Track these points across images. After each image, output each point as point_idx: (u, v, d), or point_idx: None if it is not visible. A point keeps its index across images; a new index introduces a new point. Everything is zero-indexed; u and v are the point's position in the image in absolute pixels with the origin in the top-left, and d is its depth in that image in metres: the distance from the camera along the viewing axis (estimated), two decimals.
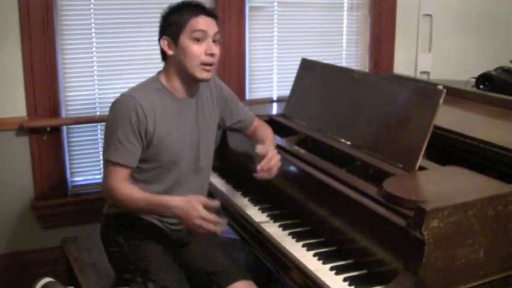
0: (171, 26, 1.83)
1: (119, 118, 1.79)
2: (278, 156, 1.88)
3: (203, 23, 1.81)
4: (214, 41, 1.84)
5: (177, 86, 1.88)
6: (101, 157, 2.76)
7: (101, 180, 2.74)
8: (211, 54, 1.82)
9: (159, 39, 1.87)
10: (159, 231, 1.90)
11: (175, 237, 1.94)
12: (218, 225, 1.66)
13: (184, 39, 1.81)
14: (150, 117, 1.80)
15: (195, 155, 1.93)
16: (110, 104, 1.85)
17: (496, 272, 1.50)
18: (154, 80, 1.90)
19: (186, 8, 1.83)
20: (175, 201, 1.71)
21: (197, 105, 1.94)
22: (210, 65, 1.83)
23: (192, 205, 1.66)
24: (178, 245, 1.96)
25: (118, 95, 1.85)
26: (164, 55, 1.89)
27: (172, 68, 1.87)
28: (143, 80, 1.94)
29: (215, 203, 1.70)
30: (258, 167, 1.82)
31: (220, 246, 2.04)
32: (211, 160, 2.04)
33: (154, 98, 1.84)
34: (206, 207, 1.67)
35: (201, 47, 1.81)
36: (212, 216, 1.66)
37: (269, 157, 1.84)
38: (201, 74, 1.83)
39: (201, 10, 1.84)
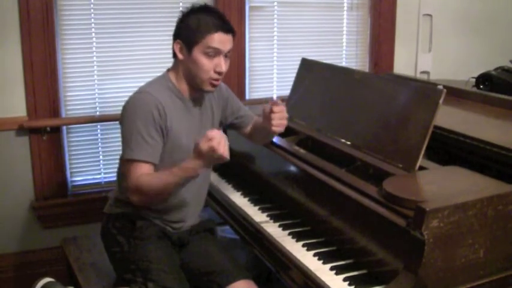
0: (187, 32, 1.82)
1: (140, 115, 1.77)
2: (285, 114, 1.85)
3: (219, 41, 1.80)
4: (226, 55, 1.84)
5: (184, 87, 1.90)
6: (101, 157, 2.76)
7: (100, 180, 2.77)
8: (220, 73, 1.83)
9: (174, 39, 1.86)
10: (159, 231, 1.90)
11: (176, 237, 1.94)
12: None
13: (197, 52, 1.81)
14: (169, 114, 1.81)
15: None
16: (124, 103, 1.83)
17: (496, 272, 1.50)
18: (164, 78, 1.91)
19: (207, 17, 1.81)
20: (191, 160, 1.65)
21: (201, 106, 1.97)
22: (217, 80, 1.85)
23: (204, 151, 1.60)
24: (179, 244, 1.96)
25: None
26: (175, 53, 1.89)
27: (181, 71, 1.88)
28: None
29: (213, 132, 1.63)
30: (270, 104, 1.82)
31: (220, 246, 2.04)
32: None
33: (167, 96, 1.85)
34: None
35: (212, 62, 1.81)
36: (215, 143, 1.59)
37: (280, 108, 1.82)
38: (207, 88, 1.86)
39: (220, 25, 1.81)
